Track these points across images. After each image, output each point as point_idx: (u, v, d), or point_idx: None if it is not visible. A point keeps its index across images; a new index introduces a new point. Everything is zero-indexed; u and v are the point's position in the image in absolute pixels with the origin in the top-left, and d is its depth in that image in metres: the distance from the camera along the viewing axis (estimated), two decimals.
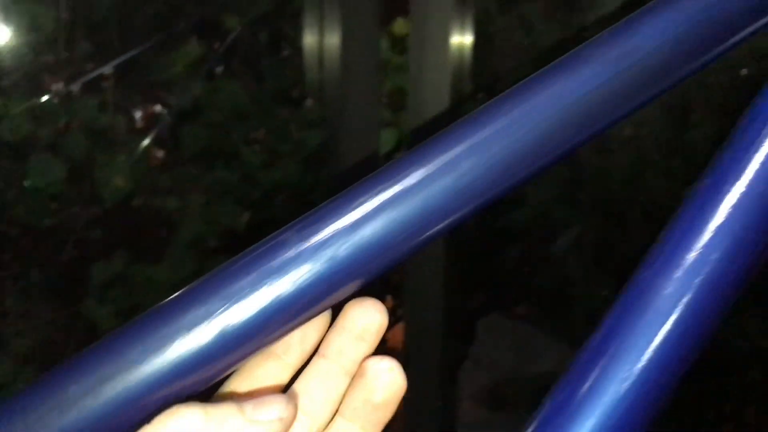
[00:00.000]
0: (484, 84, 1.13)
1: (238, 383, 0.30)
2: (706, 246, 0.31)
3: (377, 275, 0.29)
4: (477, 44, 1.12)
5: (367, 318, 0.30)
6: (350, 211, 0.29)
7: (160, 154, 1.35)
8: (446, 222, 0.30)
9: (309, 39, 0.92)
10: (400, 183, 0.29)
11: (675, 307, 0.30)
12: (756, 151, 0.32)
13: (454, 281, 1.33)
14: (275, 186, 1.31)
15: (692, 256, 0.31)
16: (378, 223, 0.29)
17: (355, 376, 0.30)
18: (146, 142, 1.23)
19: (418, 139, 0.30)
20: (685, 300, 0.30)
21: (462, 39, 0.86)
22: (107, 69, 1.20)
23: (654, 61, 0.30)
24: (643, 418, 0.30)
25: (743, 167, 0.32)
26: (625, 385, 0.30)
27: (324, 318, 0.31)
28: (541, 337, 1.35)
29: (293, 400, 0.27)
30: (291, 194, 1.29)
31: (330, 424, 0.31)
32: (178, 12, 1.30)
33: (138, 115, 1.31)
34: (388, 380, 0.29)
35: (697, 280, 0.30)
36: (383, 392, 0.29)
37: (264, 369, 0.31)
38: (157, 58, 1.25)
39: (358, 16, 0.86)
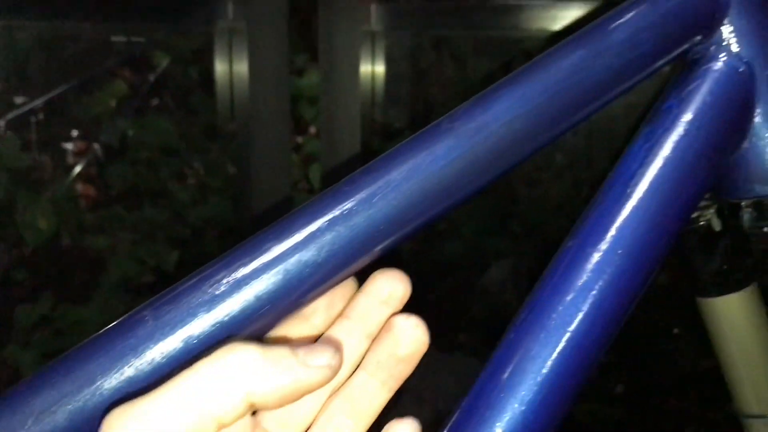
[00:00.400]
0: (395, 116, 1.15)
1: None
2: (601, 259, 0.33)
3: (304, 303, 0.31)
4: (407, 77, 1.14)
5: (394, 285, 0.32)
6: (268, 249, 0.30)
7: (88, 191, 1.33)
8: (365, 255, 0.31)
9: (220, 69, 0.92)
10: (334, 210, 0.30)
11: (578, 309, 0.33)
12: (621, 208, 0.34)
13: None
14: (206, 222, 1.30)
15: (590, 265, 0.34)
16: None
17: (381, 331, 0.32)
18: (70, 180, 1.20)
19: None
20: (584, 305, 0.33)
21: (374, 69, 0.88)
22: (31, 106, 1.18)
23: (509, 132, 0.32)
24: (555, 410, 0.32)
25: (605, 230, 0.34)
26: (521, 407, 0.32)
27: (350, 285, 0.32)
28: (481, 367, 1.36)
29: (341, 351, 0.28)
30: (222, 230, 1.28)
31: (350, 380, 0.32)
32: (107, 49, 1.29)
33: (67, 151, 1.29)
34: (414, 335, 0.31)
35: (597, 285, 0.33)
36: (408, 346, 0.31)
37: (292, 329, 0.32)
38: (85, 94, 1.24)
39: (266, 57, 0.87)
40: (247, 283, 0.29)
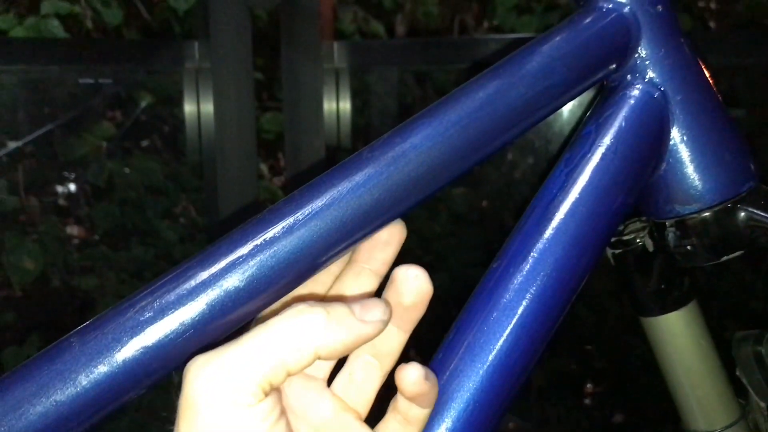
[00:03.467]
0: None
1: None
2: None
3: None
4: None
5: (391, 230, 0.34)
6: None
7: (76, 232, 1.34)
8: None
9: (188, 109, 0.95)
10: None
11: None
12: (542, 231, 0.35)
13: None
14: None
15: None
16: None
17: (388, 283, 0.34)
18: (58, 218, 1.22)
19: None
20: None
21: (339, 116, 0.90)
22: (17, 146, 1.20)
23: (427, 160, 0.33)
24: (483, 426, 0.34)
25: (527, 252, 0.35)
26: (466, 396, 0.34)
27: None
28: None
29: (389, 305, 0.31)
30: None
31: None
32: (94, 89, 1.31)
33: (54, 192, 1.31)
34: (416, 285, 0.33)
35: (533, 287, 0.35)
36: (412, 296, 0.33)
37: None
38: (71, 135, 1.26)
39: (231, 97, 0.89)
40: (171, 310, 0.30)
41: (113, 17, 1.19)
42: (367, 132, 1.19)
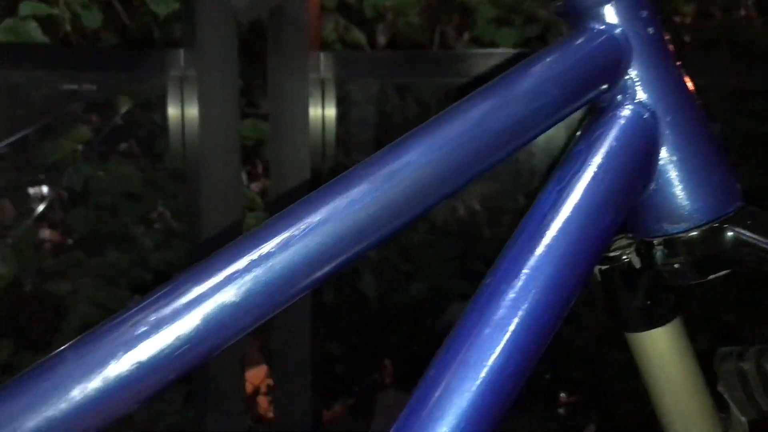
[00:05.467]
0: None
1: None
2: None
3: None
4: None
5: None
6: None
7: (51, 237, 1.33)
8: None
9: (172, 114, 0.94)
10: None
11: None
12: (534, 248, 0.36)
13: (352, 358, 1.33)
14: (168, 266, 1.29)
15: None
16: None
17: None
18: (32, 222, 1.20)
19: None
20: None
21: (324, 128, 0.90)
22: None
23: (421, 177, 0.33)
24: (495, 411, 0.34)
25: (518, 271, 0.36)
26: (459, 413, 0.34)
27: None
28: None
29: None
30: None
31: None
32: (71, 94, 1.30)
33: (29, 196, 1.29)
34: None
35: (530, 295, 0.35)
36: None
37: None
38: (47, 139, 1.24)
39: (216, 106, 0.89)
40: (167, 324, 0.30)
41: (93, 20, 1.17)
42: (347, 142, 1.19)
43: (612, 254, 0.44)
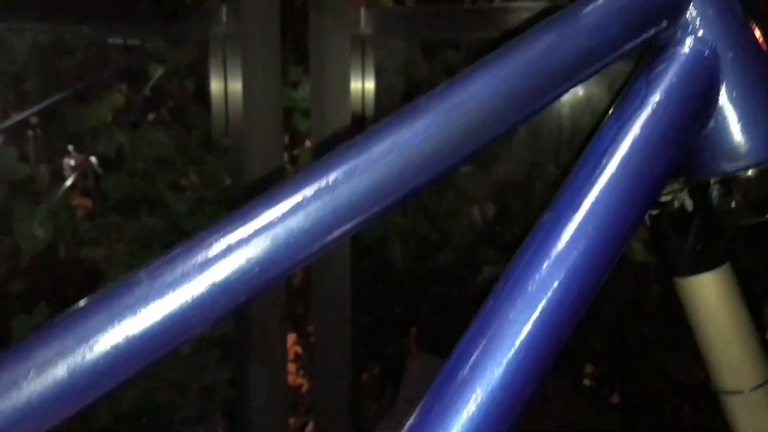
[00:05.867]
0: None
1: None
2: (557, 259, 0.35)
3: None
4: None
5: None
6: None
7: (85, 203, 1.34)
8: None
9: (215, 86, 0.95)
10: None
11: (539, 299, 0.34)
12: (594, 183, 0.36)
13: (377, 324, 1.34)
14: None
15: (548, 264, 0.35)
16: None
17: None
18: (66, 190, 1.22)
19: None
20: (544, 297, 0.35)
21: (364, 85, 0.90)
22: (27, 117, 1.20)
23: (484, 110, 0.34)
24: (532, 373, 0.34)
25: (579, 203, 0.36)
26: (500, 369, 0.33)
27: None
28: None
29: None
30: None
31: None
32: (104, 61, 1.31)
33: (64, 162, 1.31)
34: None
35: (556, 280, 0.35)
36: None
37: None
38: (81, 106, 1.25)
39: (259, 63, 0.90)
40: (238, 247, 0.31)
41: None
42: (393, 102, 1.19)
43: (663, 199, 0.45)
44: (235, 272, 0.31)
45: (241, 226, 0.31)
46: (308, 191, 0.32)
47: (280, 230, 0.31)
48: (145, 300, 0.30)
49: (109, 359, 0.29)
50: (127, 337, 0.29)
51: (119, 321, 0.29)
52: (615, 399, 1.46)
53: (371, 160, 0.32)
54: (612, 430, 1.37)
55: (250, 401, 1.08)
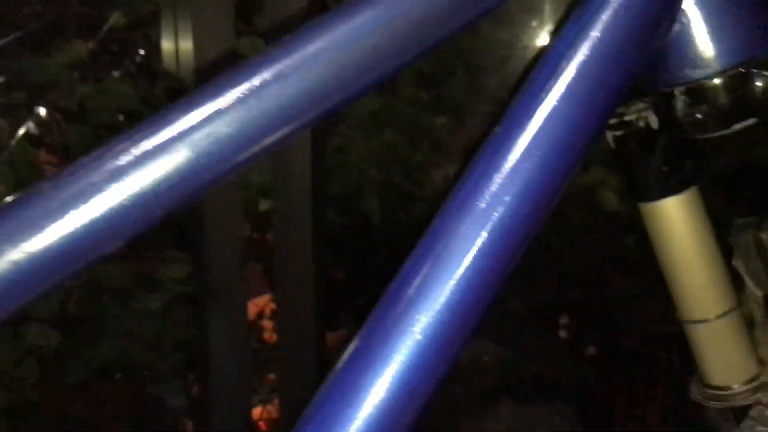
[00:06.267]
0: None
1: None
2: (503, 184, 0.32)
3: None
4: None
5: None
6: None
7: (46, 157, 1.30)
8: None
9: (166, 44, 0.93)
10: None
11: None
12: (549, 90, 0.33)
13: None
14: None
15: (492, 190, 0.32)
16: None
17: None
18: (20, 140, 1.18)
19: None
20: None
21: None
22: None
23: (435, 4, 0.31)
24: (486, 289, 0.32)
25: (533, 112, 0.33)
26: (448, 288, 0.31)
27: None
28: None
29: None
30: None
31: None
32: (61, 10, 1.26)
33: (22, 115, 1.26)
34: None
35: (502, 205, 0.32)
36: None
37: None
38: (41, 57, 1.21)
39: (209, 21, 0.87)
40: (153, 155, 0.28)
41: None
42: None
43: (627, 119, 0.42)
44: (150, 183, 0.28)
45: (155, 132, 0.28)
46: (232, 94, 0.29)
47: (200, 136, 0.28)
48: (49, 214, 0.27)
49: (8, 279, 0.26)
50: (29, 254, 0.27)
51: (20, 238, 0.27)
52: (590, 351, 1.46)
53: (303, 60, 0.29)
54: (588, 381, 1.38)
55: (209, 341, 1.06)
